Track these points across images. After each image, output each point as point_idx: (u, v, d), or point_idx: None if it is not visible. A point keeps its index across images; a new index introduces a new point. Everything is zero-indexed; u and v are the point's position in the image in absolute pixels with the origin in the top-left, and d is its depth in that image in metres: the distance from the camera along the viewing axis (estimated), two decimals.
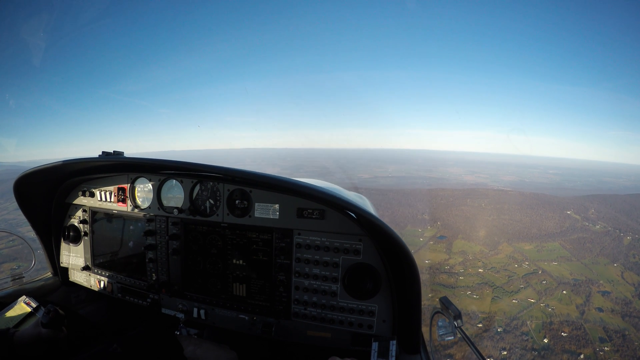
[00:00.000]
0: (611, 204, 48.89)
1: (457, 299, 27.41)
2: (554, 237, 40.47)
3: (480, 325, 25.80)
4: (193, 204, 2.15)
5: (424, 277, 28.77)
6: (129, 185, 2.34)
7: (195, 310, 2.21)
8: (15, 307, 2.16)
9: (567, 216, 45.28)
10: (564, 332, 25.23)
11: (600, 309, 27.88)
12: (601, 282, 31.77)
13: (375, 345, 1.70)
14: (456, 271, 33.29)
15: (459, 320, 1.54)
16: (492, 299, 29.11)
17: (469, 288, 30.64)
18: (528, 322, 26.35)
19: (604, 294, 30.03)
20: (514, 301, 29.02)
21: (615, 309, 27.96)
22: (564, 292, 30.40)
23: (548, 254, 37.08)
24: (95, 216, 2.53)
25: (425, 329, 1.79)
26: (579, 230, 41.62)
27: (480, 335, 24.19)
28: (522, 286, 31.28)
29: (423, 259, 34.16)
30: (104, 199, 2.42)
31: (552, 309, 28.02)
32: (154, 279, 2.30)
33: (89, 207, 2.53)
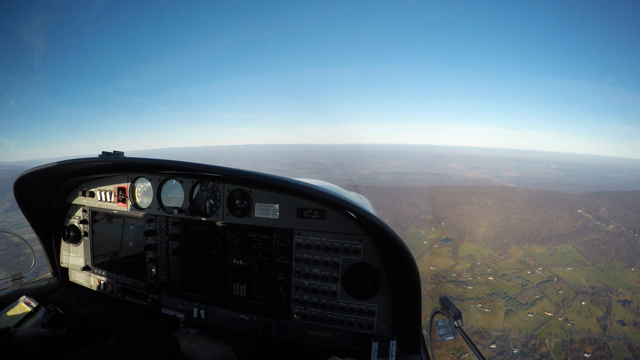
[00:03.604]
0: (621, 202, 46.39)
1: (466, 314, 24.81)
2: (566, 238, 38.03)
3: (493, 346, 23.20)
4: (193, 204, 2.15)
5: (429, 287, 26.15)
6: (129, 185, 2.34)
7: (195, 310, 2.20)
8: (16, 307, 2.17)
9: (578, 215, 42.76)
10: (587, 353, 22.91)
11: (622, 322, 25.62)
12: (620, 289, 29.49)
13: (375, 345, 1.70)
14: (464, 279, 30.84)
15: (459, 320, 1.52)
16: (506, 312, 26.65)
17: (479, 300, 28.16)
18: (547, 342, 23.97)
19: (625, 303, 27.81)
20: (529, 315, 26.59)
21: (639, 322, 25.58)
22: (583, 302, 28.01)
23: (561, 258, 34.65)
24: (95, 216, 2.53)
25: (425, 329, 1.76)
26: (592, 231, 39.15)
27: None
28: (537, 297, 28.83)
29: (428, 265, 31.78)
30: (104, 199, 2.41)
31: (572, 324, 25.66)
32: (154, 279, 2.29)
33: (89, 207, 2.53)
